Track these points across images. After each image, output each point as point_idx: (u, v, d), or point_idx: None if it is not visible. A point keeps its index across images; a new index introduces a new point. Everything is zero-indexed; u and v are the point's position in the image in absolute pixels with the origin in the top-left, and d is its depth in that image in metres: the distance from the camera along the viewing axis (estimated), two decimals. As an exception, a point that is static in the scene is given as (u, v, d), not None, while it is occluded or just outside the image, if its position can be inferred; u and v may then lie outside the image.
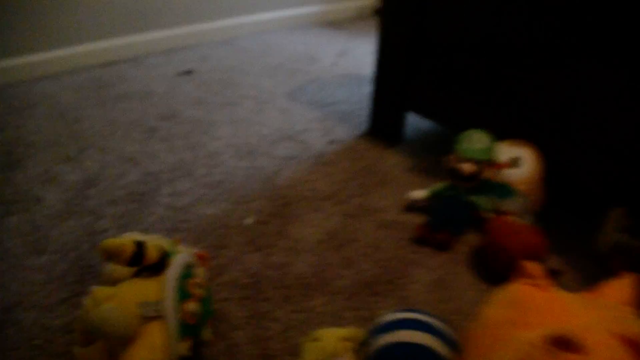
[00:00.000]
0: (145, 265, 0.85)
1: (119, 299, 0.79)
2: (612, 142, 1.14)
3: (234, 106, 1.78)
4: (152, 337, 0.80)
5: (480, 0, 1.27)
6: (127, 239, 0.84)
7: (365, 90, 1.95)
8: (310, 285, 1.06)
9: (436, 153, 1.51)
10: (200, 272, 0.92)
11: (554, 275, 1.09)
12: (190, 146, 1.53)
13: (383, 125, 1.60)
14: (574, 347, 0.66)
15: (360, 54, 2.32)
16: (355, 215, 1.27)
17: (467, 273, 1.12)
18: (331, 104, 1.84)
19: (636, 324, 0.77)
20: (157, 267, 0.86)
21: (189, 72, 2.02)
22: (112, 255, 0.82)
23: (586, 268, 1.14)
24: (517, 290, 0.81)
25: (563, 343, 0.66)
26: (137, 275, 0.86)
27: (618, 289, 0.89)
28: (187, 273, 0.88)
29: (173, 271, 0.85)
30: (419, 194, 1.28)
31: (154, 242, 0.88)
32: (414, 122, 1.70)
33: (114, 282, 0.85)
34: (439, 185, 1.27)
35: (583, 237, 1.21)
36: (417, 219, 1.26)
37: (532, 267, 0.82)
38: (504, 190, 1.22)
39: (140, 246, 0.84)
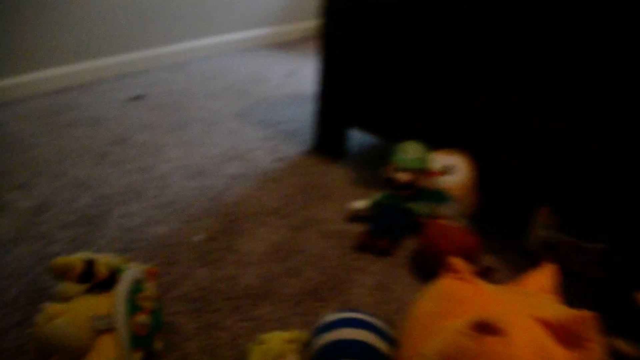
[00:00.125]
0: (96, 281, 0.89)
1: (70, 313, 0.83)
2: (535, 147, 1.23)
3: (183, 129, 1.84)
4: (105, 349, 0.84)
5: (412, 24, 1.36)
6: (76, 257, 0.88)
7: (311, 109, 2.03)
8: (258, 295, 1.12)
9: (377, 165, 1.60)
10: (150, 287, 0.97)
11: (487, 272, 1.17)
12: (140, 169, 1.57)
13: (327, 141, 1.67)
14: (495, 330, 0.72)
15: (307, 74, 2.40)
16: (301, 227, 1.33)
17: (406, 276, 1.19)
18: (278, 123, 1.91)
19: (552, 308, 0.84)
20: (108, 283, 0.90)
21: (139, 97, 2.07)
22: (62, 273, 0.87)
23: (518, 265, 1.22)
24: (444, 284, 0.88)
25: (485, 327, 0.73)
26: (88, 291, 0.90)
27: (538, 278, 0.97)
28: (136, 288, 0.92)
29: (123, 286, 0.90)
30: (360, 204, 1.35)
31: (104, 260, 0.93)
32: (356, 137, 1.79)
33: (66, 299, 0.89)
34: (378, 195, 1.35)
35: (515, 236, 1.30)
36: (359, 228, 1.33)
37: (457, 262, 0.89)
38: (439, 196, 1.30)
39: (89, 263, 0.88)
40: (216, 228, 1.32)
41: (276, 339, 0.91)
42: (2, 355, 0.97)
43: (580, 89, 1.12)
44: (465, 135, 1.36)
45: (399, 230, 1.29)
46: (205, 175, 1.55)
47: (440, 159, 1.35)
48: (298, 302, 1.11)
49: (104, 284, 0.90)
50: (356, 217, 1.37)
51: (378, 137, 1.57)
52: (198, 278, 1.16)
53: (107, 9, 2.17)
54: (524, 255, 1.26)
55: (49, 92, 2.09)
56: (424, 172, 1.31)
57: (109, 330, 0.86)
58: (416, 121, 1.44)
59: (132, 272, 0.94)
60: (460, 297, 0.86)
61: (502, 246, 1.28)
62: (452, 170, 1.32)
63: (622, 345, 1.01)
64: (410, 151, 1.31)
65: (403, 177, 1.29)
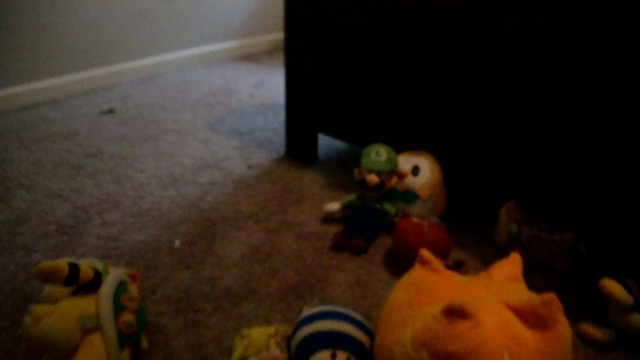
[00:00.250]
0: (81, 283, 0.92)
1: (58, 314, 0.85)
2: (497, 144, 1.30)
3: (156, 140, 1.87)
4: (93, 347, 0.87)
5: (371, 31, 1.42)
6: (61, 261, 0.91)
7: (281, 118, 2.08)
8: (239, 295, 1.16)
9: (348, 169, 1.66)
10: (133, 288, 1.00)
11: (458, 266, 1.23)
12: (116, 180, 1.60)
13: (298, 147, 1.72)
14: (466, 315, 0.77)
15: (275, 85, 2.45)
16: (277, 230, 1.38)
17: (381, 272, 1.24)
18: (249, 132, 1.95)
19: (519, 293, 0.90)
20: (92, 285, 0.93)
21: (110, 111, 2.09)
22: (48, 276, 0.89)
23: (488, 258, 1.28)
24: (415, 275, 0.93)
25: (456, 312, 0.77)
26: (74, 294, 0.93)
27: (506, 267, 1.03)
28: (120, 289, 0.95)
29: (107, 287, 0.93)
30: (333, 206, 1.40)
31: (87, 264, 0.96)
32: (326, 143, 1.84)
33: (53, 301, 0.92)
34: (350, 197, 1.40)
35: (483, 231, 1.36)
36: (333, 229, 1.38)
37: (427, 254, 0.95)
38: (408, 196, 1.36)
39: (74, 266, 0.91)
40: (194, 233, 1.35)
41: (259, 333, 0.95)
42: (-10, 361, 0.99)
43: (538, 87, 1.19)
44: (428, 137, 1.42)
45: (372, 229, 1.34)
46: (181, 183, 1.59)
47: (407, 161, 1.40)
48: (278, 300, 1.14)
49: (89, 286, 0.93)
50: (330, 218, 1.42)
51: (346, 141, 1.62)
52: (179, 281, 1.19)
53: (76, 26, 2.19)
54: (493, 249, 1.32)
55: (18, 108, 2.10)
56: (393, 173, 1.37)
57: (96, 329, 0.88)
58: (381, 125, 1.50)
59: (115, 274, 0.97)
60: (431, 286, 0.91)
61: (471, 241, 1.35)
62: (419, 170, 1.38)
63: (590, 329, 1.07)
64: (379, 154, 1.36)
65: (372, 178, 1.34)
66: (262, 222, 1.41)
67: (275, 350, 0.92)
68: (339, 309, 0.97)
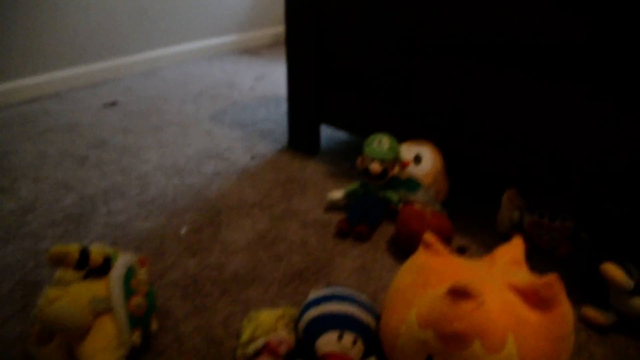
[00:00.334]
0: (91, 268, 0.94)
1: (70, 296, 0.87)
2: (498, 133, 1.32)
3: (159, 132, 1.88)
4: (105, 328, 0.88)
5: (373, 22, 1.43)
6: (72, 245, 0.92)
7: (283, 110, 2.09)
8: (246, 279, 1.17)
9: (350, 158, 1.68)
10: (142, 272, 1.01)
11: (461, 252, 1.25)
12: (121, 170, 1.61)
13: (300, 138, 1.74)
14: (471, 295, 0.79)
15: (276, 77, 2.47)
16: (282, 217, 1.39)
17: (385, 258, 1.26)
18: (252, 123, 1.97)
19: (520, 276, 0.92)
20: (102, 269, 0.95)
21: (113, 104, 2.10)
22: (59, 260, 0.91)
23: (490, 245, 1.30)
24: (420, 258, 0.95)
25: (461, 293, 0.79)
26: (84, 278, 0.94)
27: (508, 251, 1.04)
28: (130, 273, 0.97)
29: (117, 270, 0.94)
30: (337, 194, 1.42)
31: (97, 248, 0.97)
32: (328, 134, 1.86)
33: (64, 285, 0.93)
34: (353, 185, 1.42)
35: (485, 219, 1.38)
36: (337, 217, 1.40)
37: (431, 238, 0.96)
38: (411, 184, 1.38)
39: (84, 251, 0.92)
40: (200, 221, 1.37)
41: (267, 316, 0.97)
42: (3, 342, 1.00)
43: (539, 79, 1.21)
44: (430, 126, 1.44)
45: (375, 217, 1.36)
46: (185, 173, 1.60)
47: (409, 149, 1.42)
48: (285, 284, 1.16)
49: (99, 270, 0.95)
50: (333, 207, 1.44)
51: (348, 132, 1.64)
52: (186, 266, 1.21)
53: (78, 21, 2.20)
54: (495, 236, 1.33)
55: (22, 101, 2.11)
56: (395, 161, 1.38)
57: (107, 311, 0.90)
58: (383, 115, 1.52)
59: (125, 258, 0.98)
60: (436, 269, 0.92)
61: (473, 229, 1.36)
62: (421, 159, 1.40)
63: (592, 312, 1.09)
64: (382, 142, 1.38)
65: (375, 167, 1.35)
66: (267, 210, 1.42)
67: (283, 332, 0.94)
68: (345, 291, 0.98)
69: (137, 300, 0.94)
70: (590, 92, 1.15)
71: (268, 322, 0.95)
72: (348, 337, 0.90)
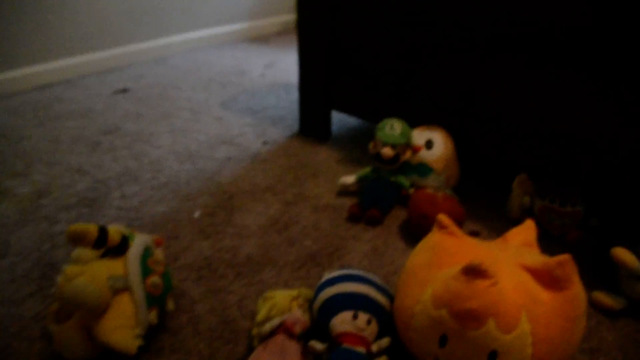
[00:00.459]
0: (109, 247, 0.95)
1: (89, 274, 0.88)
2: (509, 119, 1.32)
3: (171, 118, 1.89)
4: (123, 306, 0.90)
5: (385, 10, 1.44)
6: (91, 224, 0.93)
7: (293, 97, 2.10)
8: (259, 262, 1.19)
9: (361, 144, 1.69)
10: (159, 252, 1.03)
11: (473, 235, 1.25)
12: (133, 155, 1.62)
13: (311, 124, 1.75)
14: (485, 274, 0.80)
15: (286, 65, 2.47)
16: (294, 202, 1.40)
17: (397, 242, 1.27)
18: (262, 110, 1.98)
19: (533, 256, 0.92)
20: (120, 248, 0.96)
21: (125, 90, 2.11)
22: (78, 239, 0.91)
23: (500, 230, 1.30)
24: (434, 238, 0.96)
25: (475, 272, 0.80)
26: (102, 256, 0.96)
27: (520, 233, 1.05)
28: (147, 252, 0.98)
29: (135, 249, 0.95)
30: (348, 179, 1.43)
31: (115, 228, 0.98)
32: (340, 120, 1.87)
33: (82, 264, 0.94)
34: (365, 170, 1.42)
35: (496, 204, 1.39)
36: (349, 202, 1.41)
37: (445, 218, 0.97)
38: (422, 169, 1.38)
39: (103, 230, 0.94)
40: (213, 205, 1.38)
41: (282, 296, 0.98)
42: (21, 321, 1.02)
43: (550, 64, 1.21)
44: (441, 112, 1.44)
45: (387, 201, 1.36)
46: (197, 158, 1.61)
47: (421, 135, 1.43)
48: (298, 267, 1.17)
49: (116, 249, 0.96)
50: (345, 192, 1.45)
51: (360, 118, 1.64)
52: (200, 249, 1.22)
53: (90, 7, 2.21)
54: (506, 221, 1.34)
55: (34, 87, 2.12)
56: (408, 146, 1.39)
57: (125, 289, 0.91)
58: (395, 101, 1.52)
59: (142, 238, 1.00)
60: (450, 249, 0.93)
61: (484, 214, 1.37)
62: (432, 144, 1.40)
63: (602, 297, 1.09)
64: (394, 127, 1.38)
65: (389, 151, 1.36)
66: (279, 194, 1.43)
67: (298, 312, 0.95)
68: (360, 272, 0.99)
69: (154, 279, 0.95)
70: (600, 78, 1.15)
71: (283, 302, 0.96)
72: (363, 317, 0.91)
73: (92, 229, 0.92)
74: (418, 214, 1.25)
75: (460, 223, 1.25)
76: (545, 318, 0.81)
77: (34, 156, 1.60)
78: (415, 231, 1.26)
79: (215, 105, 2.01)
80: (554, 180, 1.29)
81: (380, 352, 0.92)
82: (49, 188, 1.44)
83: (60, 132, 1.76)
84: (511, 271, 0.85)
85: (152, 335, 0.98)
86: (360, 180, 1.42)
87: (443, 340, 0.82)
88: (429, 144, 1.40)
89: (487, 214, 1.37)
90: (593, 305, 1.10)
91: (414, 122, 1.44)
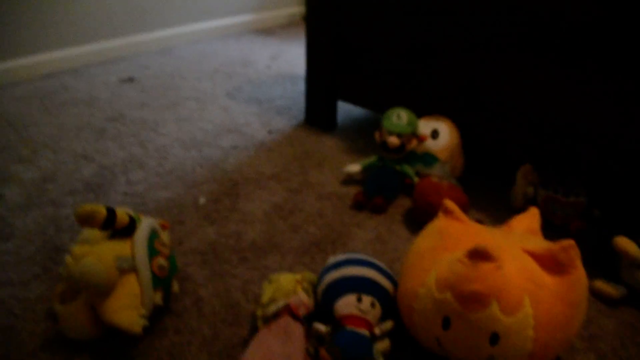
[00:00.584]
0: (117, 228, 0.95)
1: (97, 253, 0.89)
2: (514, 110, 1.32)
3: (177, 107, 1.90)
4: (129, 287, 0.90)
5: (391, 4, 1.44)
6: (99, 205, 0.94)
7: (299, 88, 2.10)
8: (263, 248, 1.19)
9: (366, 135, 1.69)
10: (165, 235, 1.04)
11: (477, 223, 1.26)
12: (139, 143, 1.63)
13: (317, 114, 1.75)
14: (489, 257, 0.80)
15: (291, 57, 2.47)
16: (298, 190, 1.41)
17: (401, 230, 1.28)
18: (268, 100, 1.98)
19: (536, 242, 0.93)
20: (127, 230, 0.96)
21: (130, 80, 2.12)
22: (87, 219, 0.92)
23: (504, 220, 1.30)
24: (439, 223, 0.96)
25: (480, 255, 0.80)
26: (109, 238, 0.96)
27: (524, 220, 1.05)
28: (153, 235, 0.99)
29: (142, 231, 0.96)
30: (354, 167, 1.43)
31: (123, 210, 0.99)
32: (345, 110, 1.87)
33: (89, 245, 0.95)
34: (370, 159, 1.43)
35: (500, 194, 1.39)
36: (353, 190, 1.41)
37: (450, 204, 0.98)
38: (427, 158, 1.39)
39: (111, 211, 0.94)
40: (218, 192, 1.39)
41: (286, 279, 0.98)
42: (26, 302, 1.03)
43: (553, 56, 1.21)
44: (447, 103, 1.45)
45: (391, 189, 1.37)
46: (203, 146, 1.62)
47: (426, 125, 1.43)
48: (302, 253, 1.18)
49: (124, 231, 0.96)
50: (350, 180, 1.46)
51: (366, 108, 1.65)
52: (205, 234, 1.23)
53: (97, -6, 2.22)
54: (510, 211, 1.34)
55: (40, 76, 2.13)
56: (414, 136, 1.39)
57: (132, 270, 0.92)
58: (401, 91, 1.53)
59: (148, 221, 1.00)
60: (454, 233, 0.94)
61: (488, 204, 1.37)
62: (438, 134, 1.41)
63: (603, 285, 1.10)
64: (400, 116, 1.39)
65: (395, 140, 1.37)
66: (284, 182, 1.44)
67: (302, 295, 0.96)
68: (364, 257, 1.00)
69: (160, 261, 0.96)
70: (602, 71, 1.15)
71: (288, 285, 0.96)
72: (366, 300, 0.92)
73: (101, 209, 0.93)
74: (423, 201, 1.25)
75: (464, 212, 1.25)
76: (548, 302, 0.82)
77: (39, 142, 1.61)
78: (419, 219, 1.27)
79: (221, 95, 2.02)
80: (558, 171, 1.29)
81: (383, 335, 0.92)
82: (54, 173, 1.45)
83: (65, 120, 1.77)
84: (515, 255, 0.86)
85: (156, 317, 0.98)
86: (365, 169, 1.43)
87: (446, 323, 0.83)
88: (434, 134, 1.40)
89: (491, 204, 1.37)
90: (593, 293, 1.10)
91: (419, 113, 1.45)
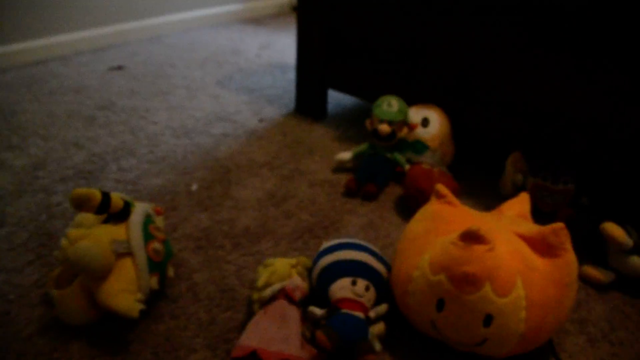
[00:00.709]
0: (112, 212, 0.96)
1: (93, 237, 0.89)
2: (504, 98, 1.34)
3: (167, 95, 1.89)
4: (125, 271, 0.91)
5: (388, -17, 1.45)
6: (94, 189, 0.94)
7: (289, 77, 2.11)
8: (257, 234, 1.20)
9: (357, 124, 1.70)
10: (159, 220, 1.04)
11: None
12: (129, 130, 1.63)
13: (308, 103, 1.76)
14: (482, 239, 0.81)
15: (281, 46, 2.47)
16: (290, 177, 1.42)
17: (392, 216, 1.29)
18: (258, 89, 1.98)
19: (527, 225, 0.94)
20: (122, 214, 0.97)
21: (120, 68, 2.11)
22: (82, 203, 0.92)
23: (494, 206, 1.32)
24: (432, 207, 0.98)
25: (473, 237, 0.82)
26: (104, 222, 0.97)
27: (514, 205, 1.07)
28: (147, 219, 0.99)
29: (137, 215, 0.96)
30: (345, 155, 1.44)
31: (117, 194, 0.99)
32: (336, 99, 1.88)
33: (84, 229, 0.95)
34: (361, 146, 1.44)
35: (489, 182, 1.41)
36: (345, 178, 1.42)
37: (443, 188, 0.99)
38: (418, 146, 1.40)
39: (106, 195, 0.94)
40: (210, 179, 1.39)
41: (282, 263, 0.99)
42: (20, 289, 1.02)
43: (543, 45, 1.22)
44: (437, 91, 1.46)
45: (383, 177, 1.38)
46: (194, 134, 1.62)
47: (417, 113, 1.44)
48: (295, 239, 1.19)
49: (118, 215, 0.97)
50: (341, 168, 1.47)
51: (356, 97, 1.66)
52: (198, 221, 1.23)
53: (85, -19, 2.20)
54: (499, 199, 1.35)
55: (28, 63, 2.11)
56: (404, 124, 1.40)
57: (127, 254, 0.92)
58: (391, 80, 1.54)
59: (142, 206, 1.01)
60: (447, 217, 0.95)
61: (477, 192, 1.39)
62: (429, 122, 1.42)
63: (591, 270, 1.12)
64: (391, 104, 1.40)
65: (385, 128, 1.38)
66: (276, 170, 1.45)
67: (297, 279, 0.97)
68: (358, 241, 1.01)
69: (156, 245, 0.96)
70: (592, 58, 1.17)
71: (283, 269, 0.97)
72: (361, 284, 0.93)
73: (96, 193, 0.93)
74: (414, 188, 1.26)
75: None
76: (539, 283, 0.84)
77: (29, 130, 1.60)
78: (411, 205, 1.28)
79: (211, 83, 2.01)
80: (547, 159, 1.31)
81: (378, 319, 0.93)
82: (45, 161, 1.44)
83: (55, 107, 1.76)
84: (507, 238, 0.88)
85: (152, 301, 0.99)
86: (356, 157, 1.44)
87: (440, 305, 0.84)
88: (425, 122, 1.41)
89: (481, 192, 1.39)
90: (582, 278, 1.12)
91: (409, 101, 1.46)
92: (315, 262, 0.99)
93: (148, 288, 0.93)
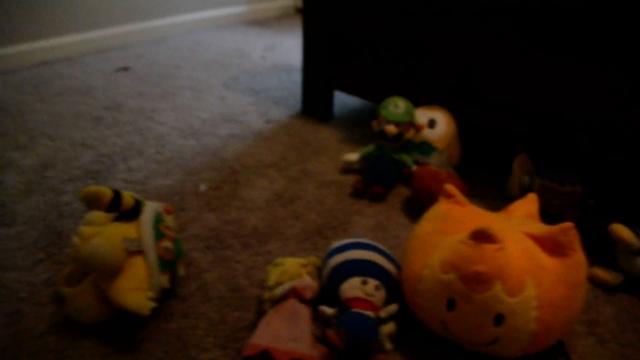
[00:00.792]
0: (123, 210, 0.96)
1: (105, 235, 0.90)
2: (510, 99, 1.34)
3: (173, 96, 1.90)
4: (136, 269, 0.91)
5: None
6: (105, 187, 0.95)
7: (294, 78, 2.11)
8: (265, 234, 1.20)
9: (363, 125, 1.70)
10: (169, 219, 1.04)
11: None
12: (137, 131, 1.63)
13: (314, 104, 1.76)
14: (492, 238, 0.82)
15: (286, 48, 2.48)
16: (298, 178, 1.42)
17: (400, 217, 1.29)
18: (264, 90, 1.99)
19: (536, 225, 0.95)
20: (133, 213, 0.97)
21: (126, 69, 2.11)
22: (93, 201, 0.93)
23: (501, 208, 1.32)
24: (441, 207, 0.98)
25: (483, 236, 0.82)
26: (115, 220, 0.97)
27: (523, 206, 1.07)
28: (158, 218, 1.00)
29: (148, 214, 0.97)
30: (352, 156, 1.45)
31: (128, 193, 1.00)
32: (342, 100, 1.88)
33: (95, 227, 0.96)
34: (368, 147, 1.44)
35: (496, 183, 1.41)
36: (352, 178, 1.43)
37: (451, 188, 0.99)
38: (425, 147, 1.40)
39: (117, 193, 0.95)
40: (218, 179, 1.40)
41: (292, 262, 1.00)
42: (31, 287, 1.03)
43: (549, 46, 1.23)
44: (443, 93, 1.46)
45: (390, 178, 1.38)
46: (201, 134, 1.63)
47: (423, 114, 1.45)
48: (303, 239, 1.19)
49: (129, 214, 0.97)
50: (348, 169, 1.47)
51: (362, 98, 1.66)
52: (207, 221, 1.24)
53: (92, -18, 2.21)
54: (506, 200, 1.36)
55: (35, 64, 2.12)
56: (411, 125, 1.41)
57: (139, 252, 0.92)
58: (397, 81, 1.54)
59: (153, 205, 1.01)
60: (457, 217, 0.96)
61: (484, 193, 1.39)
62: (436, 123, 1.42)
63: (600, 272, 1.12)
64: (398, 105, 1.40)
65: (392, 129, 1.38)
66: (283, 170, 1.45)
67: (308, 278, 0.97)
68: (368, 241, 1.02)
69: (166, 243, 0.97)
70: (597, 58, 1.17)
71: (293, 269, 0.98)
72: (371, 283, 0.93)
73: (107, 191, 0.93)
74: (422, 189, 1.27)
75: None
76: (549, 283, 0.84)
77: (37, 130, 1.61)
78: (418, 206, 1.28)
79: (217, 85, 2.02)
80: (553, 160, 1.31)
81: (389, 318, 0.94)
82: (53, 160, 1.45)
83: (62, 108, 1.76)
84: (516, 238, 0.88)
85: (162, 300, 0.99)
86: (363, 158, 1.44)
87: (451, 304, 0.84)
88: (431, 123, 1.42)
89: (487, 194, 1.39)
90: (591, 280, 1.12)
91: (416, 103, 1.47)
92: (325, 261, 1.00)
93: (159, 286, 0.94)
